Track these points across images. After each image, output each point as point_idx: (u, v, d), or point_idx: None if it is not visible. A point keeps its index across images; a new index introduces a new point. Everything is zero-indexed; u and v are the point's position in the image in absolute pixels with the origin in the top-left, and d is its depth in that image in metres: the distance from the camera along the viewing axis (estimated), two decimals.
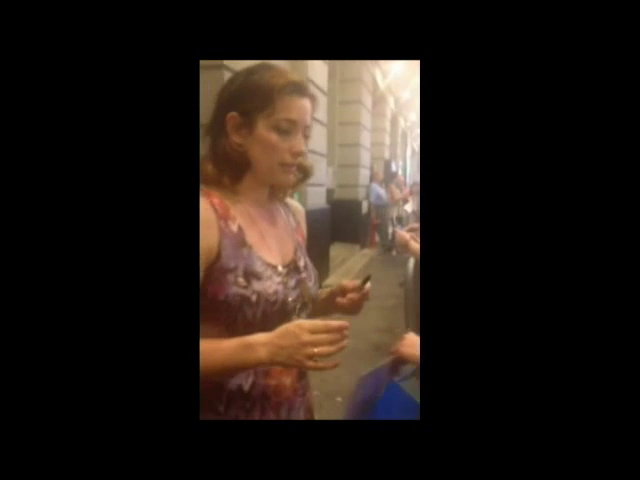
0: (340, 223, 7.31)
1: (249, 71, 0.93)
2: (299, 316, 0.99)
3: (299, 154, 0.93)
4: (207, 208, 0.89)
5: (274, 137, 0.90)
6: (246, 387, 0.92)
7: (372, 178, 9.45)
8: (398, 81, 11.25)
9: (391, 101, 12.85)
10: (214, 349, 0.84)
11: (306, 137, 0.94)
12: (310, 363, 0.79)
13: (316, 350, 0.78)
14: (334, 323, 0.80)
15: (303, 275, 1.02)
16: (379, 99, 10.98)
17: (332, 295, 1.11)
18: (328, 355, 0.79)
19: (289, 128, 0.90)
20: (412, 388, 1.14)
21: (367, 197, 9.25)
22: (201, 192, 0.91)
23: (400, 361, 1.23)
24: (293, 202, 1.14)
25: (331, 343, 0.79)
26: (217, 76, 2.86)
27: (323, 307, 1.13)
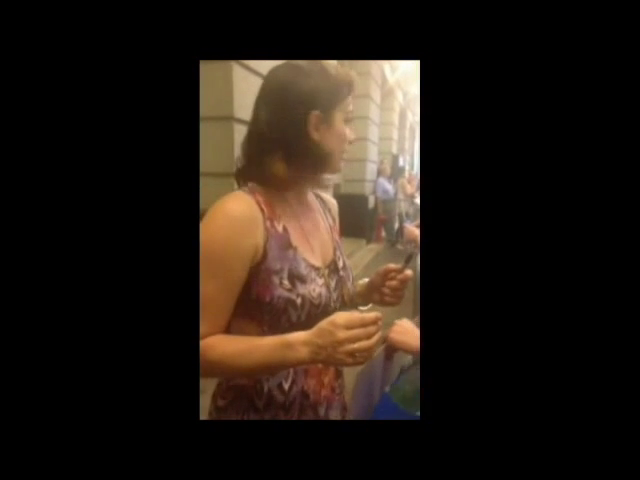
0: (346, 218, 7.24)
1: (317, 69, 0.91)
2: None
3: (352, 141, 0.98)
4: (254, 207, 0.89)
5: (346, 129, 0.95)
6: (286, 386, 0.93)
7: (379, 173, 9.41)
8: (407, 75, 11.18)
9: (400, 95, 12.77)
10: (254, 347, 0.83)
11: None
12: (350, 360, 0.78)
13: (355, 346, 0.76)
14: (369, 315, 0.78)
15: (342, 275, 1.02)
16: (388, 93, 10.92)
17: (371, 286, 1.11)
18: (367, 350, 0.78)
19: (350, 119, 0.96)
20: (413, 379, 1.12)
21: (374, 192, 9.23)
22: (245, 190, 0.91)
23: (392, 348, 1.21)
24: (328, 197, 1.14)
25: (368, 337, 0.77)
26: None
27: (362, 301, 1.13)
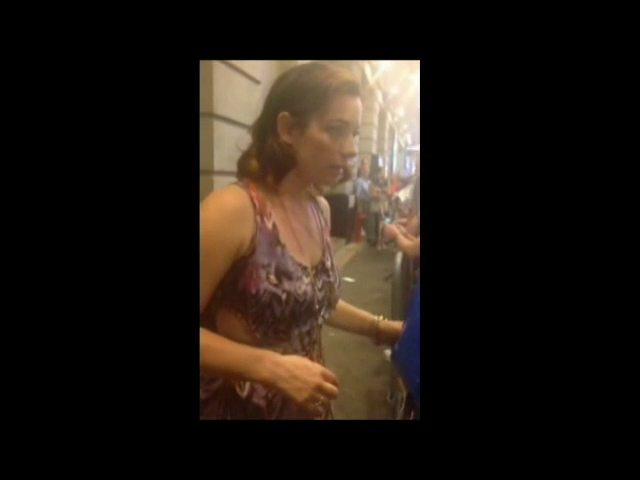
0: None
1: (301, 70, 0.91)
2: (323, 317, 1.00)
3: (350, 155, 0.91)
4: (246, 201, 0.89)
5: (326, 138, 0.88)
6: (243, 394, 0.92)
7: (359, 173, 9.43)
8: (387, 76, 11.24)
9: (379, 96, 12.83)
10: (226, 348, 0.86)
11: (355, 136, 0.93)
12: (310, 405, 0.81)
13: (322, 398, 0.82)
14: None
15: (330, 277, 1.02)
16: (368, 94, 10.96)
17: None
18: (323, 406, 0.84)
19: (341, 128, 0.89)
20: None
21: (354, 191, 9.24)
22: (240, 184, 0.92)
23: None
24: (321, 199, 1.13)
25: (331, 395, 0.83)
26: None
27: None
